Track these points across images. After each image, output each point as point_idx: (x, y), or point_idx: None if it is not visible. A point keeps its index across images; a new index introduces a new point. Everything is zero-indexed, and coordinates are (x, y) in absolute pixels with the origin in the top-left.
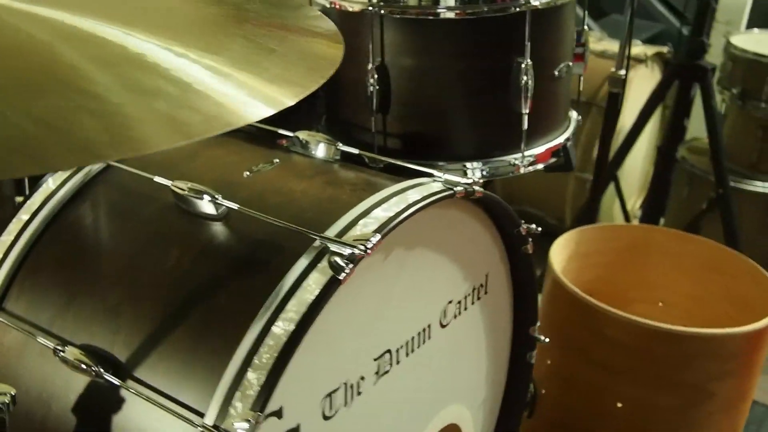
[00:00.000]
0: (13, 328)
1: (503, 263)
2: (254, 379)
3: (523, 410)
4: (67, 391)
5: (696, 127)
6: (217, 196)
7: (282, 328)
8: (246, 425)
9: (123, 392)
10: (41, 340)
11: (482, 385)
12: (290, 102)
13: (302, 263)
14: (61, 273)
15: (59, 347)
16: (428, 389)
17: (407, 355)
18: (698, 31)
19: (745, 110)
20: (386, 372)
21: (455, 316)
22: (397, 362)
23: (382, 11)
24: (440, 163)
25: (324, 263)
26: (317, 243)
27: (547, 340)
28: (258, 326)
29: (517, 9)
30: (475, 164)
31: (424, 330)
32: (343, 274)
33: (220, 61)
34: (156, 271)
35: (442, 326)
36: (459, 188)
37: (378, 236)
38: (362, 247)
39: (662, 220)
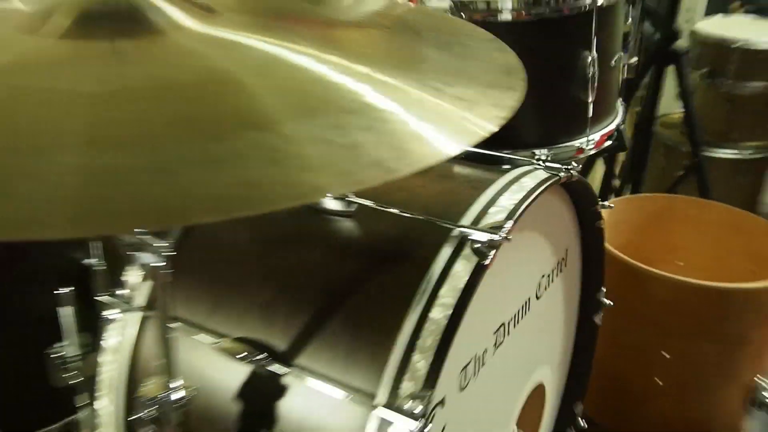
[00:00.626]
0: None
1: (577, 237)
2: (420, 361)
3: (591, 371)
4: (227, 383)
5: (663, 104)
6: (349, 194)
7: (440, 313)
8: (420, 404)
9: (286, 380)
10: (201, 336)
11: (559, 347)
12: (505, 116)
13: (446, 252)
14: (206, 275)
15: (218, 340)
16: (526, 354)
17: (514, 326)
18: (671, 19)
19: (714, 86)
20: (501, 343)
21: (545, 288)
22: (508, 333)
23: (462, 14)
24: (506, 151)
25: (467, 251)
26: (455, 233)
27: (612, 303)
28: (416, 313)
29: (586, 8)
30: (542, 150)
31: (525, 303)
32: (488, 260)
33: (415, 79)
34: (303, 269)
35: (537, 298)
36: (563, 174)
37: (511, 222)
38: (500, 234)
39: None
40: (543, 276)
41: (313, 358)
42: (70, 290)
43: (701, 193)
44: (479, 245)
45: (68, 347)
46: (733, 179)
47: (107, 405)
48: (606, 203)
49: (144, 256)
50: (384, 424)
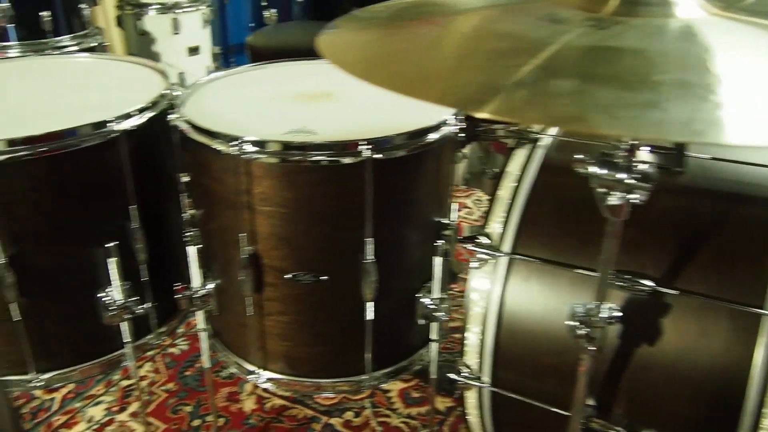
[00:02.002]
0: (539, 264)
1: None
2: None
3: None
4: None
5: None
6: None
7: None
8: None
9: (667, 299)
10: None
11: None
12: None
13: None
14: (562, 222)
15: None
16: None
17: None
18: None
19: None
20: None
21: None
22: None
23: None
24: None
25: None
26: None
27: None
28: None
29: None
30: None
31: None
32: None
33: None
34: (658, 211)
35: None
36: None
37: None
38: None
39: None
40: None
41: (689, 281)
42: (442, 243)
43: None
44: None
45: (435, 290)
46: None
47: (472, 337)
48: None
49: (613, 197)
50: None
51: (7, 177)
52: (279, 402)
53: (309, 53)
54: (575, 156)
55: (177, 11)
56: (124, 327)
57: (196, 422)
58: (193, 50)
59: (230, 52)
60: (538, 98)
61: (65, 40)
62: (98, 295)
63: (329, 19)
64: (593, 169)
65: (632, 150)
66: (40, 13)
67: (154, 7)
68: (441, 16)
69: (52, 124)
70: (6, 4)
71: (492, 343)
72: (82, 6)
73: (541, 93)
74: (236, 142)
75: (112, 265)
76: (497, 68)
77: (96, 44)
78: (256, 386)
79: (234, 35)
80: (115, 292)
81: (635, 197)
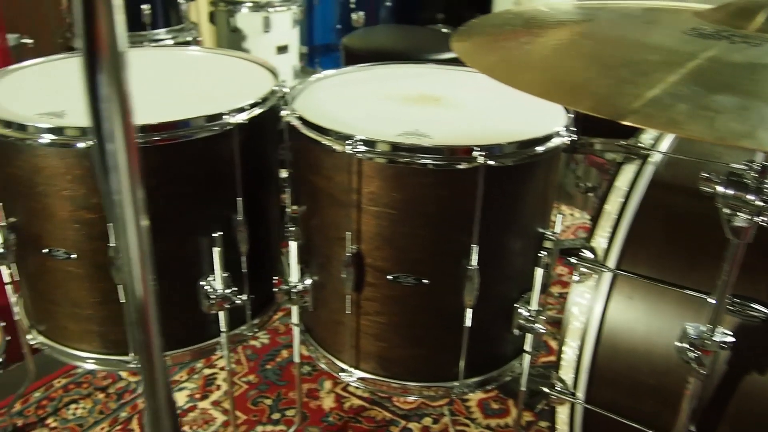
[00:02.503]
0: (644, 282)
1: None
2: None
3: None
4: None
5: None
6: None
7: None
8: None
9: None
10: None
11: None
12: None
13: None
14: (671, 240)
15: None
16: None
17: None
18: None
19: None
20: None
21: None
22: None
23: None
24: None
25: None
26: None
27: None
28: None
29: None
30: None
31: None
32: None
33: None
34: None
35: None
36: None
37: None
38: None
39: None
40: None
41: None
42: (544, 254)
43: None
44: None
45: (533, 301)
46: None
47: (570, 352)
48: None
49: (739, 219)
50: None
51: None
52: (357, 402)
53: (403, 56)
54: (702, 174)
55: (269, 10)
56: (222, 316)
57: (276, 416)
58: (282, 49)
59: (315, 53)
60: (701, 112)
61: (161, 33)
62: (200, 283)
63: (415, 23)
64: (720, 189)
65: (764, 171)
66: (141, 6)
67: (246, 5)
68: (573, 24)
69: (164, 114)
70: None
71: (590, 359)
72: (180, 1)
73: (704, 107)
74: (350, 141)
75: (216, 254)
76: (649, 80)
77: (191, 39)
78: (335, 384)
79: (319, 36)
80: (216, 282)
81: (764, 219)
